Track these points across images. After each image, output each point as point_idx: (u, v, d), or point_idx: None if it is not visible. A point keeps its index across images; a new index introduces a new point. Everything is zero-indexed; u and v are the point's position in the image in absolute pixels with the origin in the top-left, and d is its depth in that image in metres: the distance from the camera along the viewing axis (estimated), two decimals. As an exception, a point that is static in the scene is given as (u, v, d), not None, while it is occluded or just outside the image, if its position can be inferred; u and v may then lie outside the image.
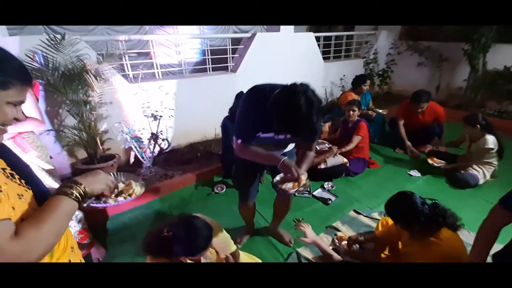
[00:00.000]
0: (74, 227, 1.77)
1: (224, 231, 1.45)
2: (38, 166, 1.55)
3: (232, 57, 3.71)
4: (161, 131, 2.76)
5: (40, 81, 2.21)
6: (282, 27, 3.87)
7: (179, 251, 1.15)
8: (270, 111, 1.16)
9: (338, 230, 2.13)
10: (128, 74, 2.93)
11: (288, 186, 1.36)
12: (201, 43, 4.61)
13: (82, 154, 2.67)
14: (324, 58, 4.70)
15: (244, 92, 2.52)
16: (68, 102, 2.24)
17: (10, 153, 0.74)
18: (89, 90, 2.29)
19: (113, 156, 2.56)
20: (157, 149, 3.00)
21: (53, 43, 2.25)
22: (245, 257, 1.60)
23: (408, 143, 3.33)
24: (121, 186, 0.93)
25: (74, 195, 0.68)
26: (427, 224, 1.32)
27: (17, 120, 0.65)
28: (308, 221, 2.18)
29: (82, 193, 0.71)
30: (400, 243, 1.64)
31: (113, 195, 0.88)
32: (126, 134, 2.37)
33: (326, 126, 2.79)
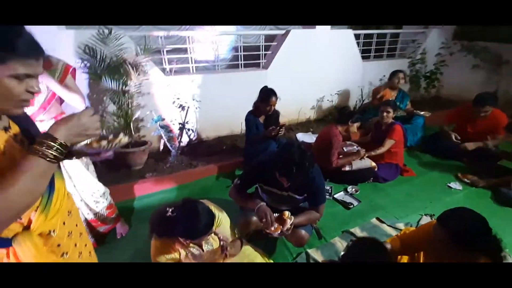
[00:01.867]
0: (103, 202, 1.96)
1: (228, 220, 1.47)
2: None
3: (265, 54, 3.73)
4: (187, 121, 2.89)
5: (88, 70, 2.49)
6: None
7: (179, 232, 1.20)
8: (272, 165, 1.48)
9: (355, 237, 2.02)
10: (165, 68, 3.13)
11: (272, 228, 1.46)
12: (235, 39, 4.72)
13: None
14: (363, 57, 4.46)
15: (268, 86, 2.55)
16: (110, 90, 2.49)
17: (29, 122, 0.83)
18: (128, 80, 2.50)
19: (145, 142, 2.76)
20: (185, 139, 3.16)
21: (102, 37, 2.51)
22: (249, 250, 1.60)
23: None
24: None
25: (48, 155, 0.62)
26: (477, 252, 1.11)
27: (31, 92, 0.67)
28: (324, 224, 2.12)
29: (60, 149, 0.64)
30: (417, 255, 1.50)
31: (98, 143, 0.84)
32: (155, 121, 2.55)
33: (354, 127, 2.65)
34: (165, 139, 2.74)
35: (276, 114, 2.77)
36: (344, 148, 2.93)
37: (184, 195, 2.57)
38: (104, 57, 2.53)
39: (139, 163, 2.72)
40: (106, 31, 2.51)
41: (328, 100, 4.22)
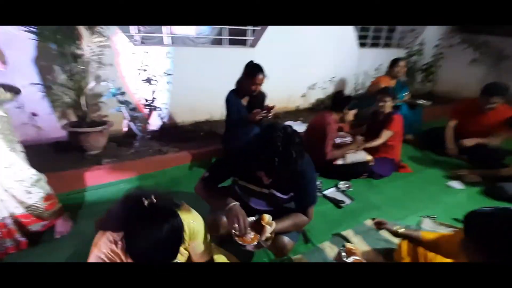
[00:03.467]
0: (37, 193, 1.52)
1: (203, 228, 1.05)
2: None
3: (253, 30, 3.31)
4: (154, 98, 2.44)
5: (32, 29, 2.00)
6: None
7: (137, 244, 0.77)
8: (248, 154, 1.10)
9: (348, 241, 1.70)
10: (133, 35, 2.66)
11: (248, 237, 1.10)
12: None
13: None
14: (360, 44, 4.13)
15: (255, 62, 2.17)
16: (56, 54, 2.01)
17: None
18: (81, 43, 2.03)
19: (104, 123, 2.31)
20: (157, 121, 2.73)
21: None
22: (220, 258, 1.23)
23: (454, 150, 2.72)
24: None
25: None
26: None
27: None
28: (311, 225, 1.77)
29: None
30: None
31: None
32: (113, 94, 2.10)
33: (350, 114, 2.31)
34: (127, 119, 2.30)
35: (262, 96, 2.39)
36: (337, 139, 2.61)
37: (150, 185, 2.16)
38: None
39: (95, 147, 2.27)
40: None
41: (320, 87, 3.87)
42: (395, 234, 1.54)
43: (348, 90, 4.17)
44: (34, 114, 2.17)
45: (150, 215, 0.79)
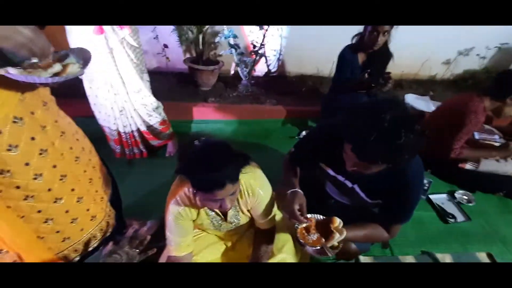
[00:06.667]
0: (156, 117, 1.84)
1: (268, 197, 1.02)
2: (127, 42, 1.54)
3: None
4: (262, 44, 2.31)
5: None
6: None
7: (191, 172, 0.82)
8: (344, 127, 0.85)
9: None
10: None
11: (310, 238, 0.94)
12: None
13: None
14: None
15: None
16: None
17: None
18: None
19: (217, 62, 2.45)
20: (262, 68, 2.70)
21: None
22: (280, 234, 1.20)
23: None
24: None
25: None
26: None
27: None
28: (400, 230, 1.51)
29: None
30: None
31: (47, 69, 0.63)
32: (226, 37, 2.11)
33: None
34: (235, 62, 2.34)
35: (386, 56, 1.89)
36: (476, 134, 1.94)
37: (243, 131, 2.28)
38: None
39: (206, 84, 2.48)
40: None
41: (478, 55, 2.81)
42: None
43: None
44: (165, 46, 2.49)
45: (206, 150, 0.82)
